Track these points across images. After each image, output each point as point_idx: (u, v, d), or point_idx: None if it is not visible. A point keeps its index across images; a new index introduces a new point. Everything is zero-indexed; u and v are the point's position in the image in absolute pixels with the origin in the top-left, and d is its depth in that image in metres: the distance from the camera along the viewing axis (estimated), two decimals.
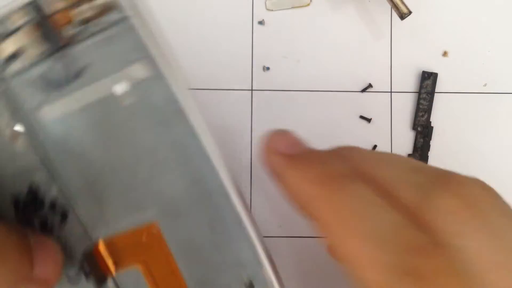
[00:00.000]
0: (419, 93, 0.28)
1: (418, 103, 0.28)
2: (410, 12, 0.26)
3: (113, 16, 0.16)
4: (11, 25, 0.15)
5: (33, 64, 0.16)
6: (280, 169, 0.14)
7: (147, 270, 0.16)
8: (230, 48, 0.29)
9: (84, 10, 0.15)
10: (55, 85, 0.15)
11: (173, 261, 0.16)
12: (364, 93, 0.29)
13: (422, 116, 0.28)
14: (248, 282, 0.16)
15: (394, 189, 0.13)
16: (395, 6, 0.26)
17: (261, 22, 0.29)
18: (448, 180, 0.14)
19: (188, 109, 0.16)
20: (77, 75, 0.16)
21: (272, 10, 0.29)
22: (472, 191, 0.14)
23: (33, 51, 0.15)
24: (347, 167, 0.14)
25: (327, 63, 0.29)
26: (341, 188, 0.13)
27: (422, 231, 0.13)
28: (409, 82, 0.29)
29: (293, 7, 0.29)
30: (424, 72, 0.28)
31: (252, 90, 0.29)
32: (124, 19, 0.16)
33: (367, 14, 0.29)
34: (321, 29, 0.29)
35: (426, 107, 0.28)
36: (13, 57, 0.15)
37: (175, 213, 0.16)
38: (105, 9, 0.16)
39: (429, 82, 0.28)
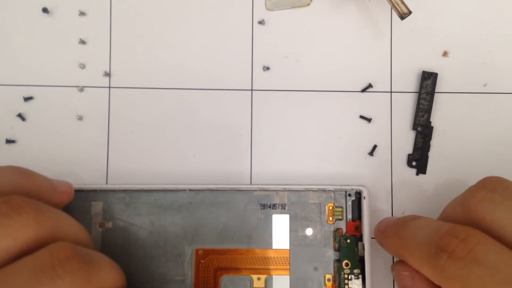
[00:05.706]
0: (419, 93, 0.28)
1: (418, 103, 0.28)
2: (410, 12, 0.26)
3: None
4: None
5: None
6: (378, 238, 0.24)
7: None
8: (230, 48, 0.29)
9: None
10: None
11: None
12: (364, 93, 0.29)
13: (422, 116, 0.28)
14: None
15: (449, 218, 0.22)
16: (395, 6, 0.26)
17: (261, 22, 0.29)
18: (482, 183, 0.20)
19: None
20: None
21: (272, 10, 0.29)
22: (497, 183, 0.20)
23: None
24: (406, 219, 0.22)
25: (327, 63, 0.29)
26: (403, 230, 0.21)
27: (459, 222, 0.19)
28: (409, 82, 0.29)
29: (293, 7, 0.29)
30: (424, 72, 0.28)
31: (252, 90, 0.29)
32: None
33: (367, 14, 0.29)
34: (321, 29, 0.29)
35: (426, 107, 0.28)
36: None
37: None
38: None
39: (429, 82, 0.28)
